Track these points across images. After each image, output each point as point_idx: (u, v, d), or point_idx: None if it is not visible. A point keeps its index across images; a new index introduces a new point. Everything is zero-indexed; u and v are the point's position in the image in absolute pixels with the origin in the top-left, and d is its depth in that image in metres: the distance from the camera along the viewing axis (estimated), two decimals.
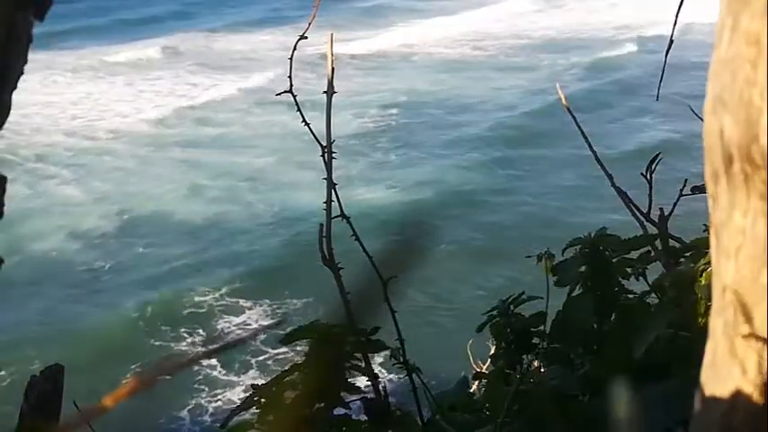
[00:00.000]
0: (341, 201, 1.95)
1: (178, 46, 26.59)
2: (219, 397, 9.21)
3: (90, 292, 11.63)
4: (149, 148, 17.78)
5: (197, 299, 11.21)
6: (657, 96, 2.34)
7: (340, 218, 1.93)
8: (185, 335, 10.40)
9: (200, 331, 10.42)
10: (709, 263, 1.45)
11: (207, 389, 9.31)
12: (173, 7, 32.16)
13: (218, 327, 10.58)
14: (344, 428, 1.71)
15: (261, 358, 9.64)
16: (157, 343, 10.29)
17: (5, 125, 0.62)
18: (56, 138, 18.33)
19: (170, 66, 24.51)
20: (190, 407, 9.04)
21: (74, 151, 17.58)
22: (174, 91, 22.18)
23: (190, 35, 28.00)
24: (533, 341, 1.96)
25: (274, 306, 11.02)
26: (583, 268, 1.82)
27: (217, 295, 11.34)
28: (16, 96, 0.59)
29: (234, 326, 10.49)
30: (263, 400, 1.66)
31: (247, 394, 1.70)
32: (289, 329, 1.72)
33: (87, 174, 16.30)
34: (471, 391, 2.41)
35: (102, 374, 8.67)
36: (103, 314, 10.85)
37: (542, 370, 1.94)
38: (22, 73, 0.60)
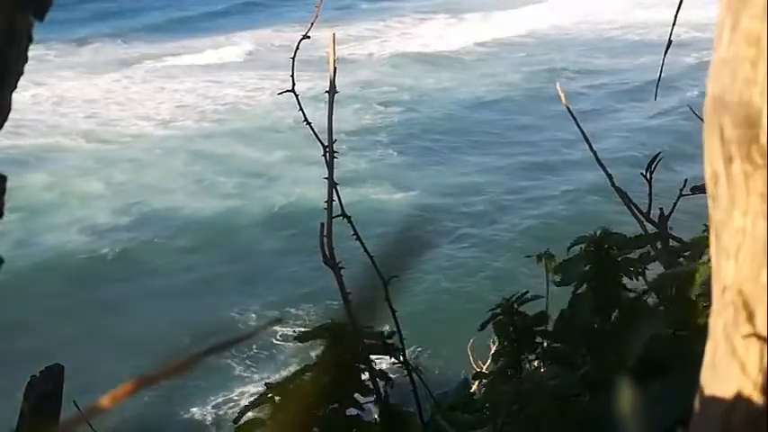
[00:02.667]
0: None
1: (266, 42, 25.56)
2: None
3: None
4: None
5: None
6: (656, 96, 2.33)
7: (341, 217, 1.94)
8: None
9: None
10: (705, 261, 1.45)
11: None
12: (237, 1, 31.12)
13: None
14: (355, 429, 1.71)
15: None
16: None
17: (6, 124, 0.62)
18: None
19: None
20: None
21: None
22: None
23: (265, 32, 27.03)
24: (536, 340, 1.96)
25: None
26: (587, 267, 1.81)
27: None
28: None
29: None
30: (276, 398, 1.66)
31: (259, 392, 1.71)
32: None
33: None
34: (471, 391, 2.41)
35: None
36: None
37: (542, 370, 1.94)
38: (22, 73, 0.60)
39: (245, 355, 9.51)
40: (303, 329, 1.74)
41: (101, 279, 11.86)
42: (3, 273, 0.68)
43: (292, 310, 10.21)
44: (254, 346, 9.39)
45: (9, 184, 0.61)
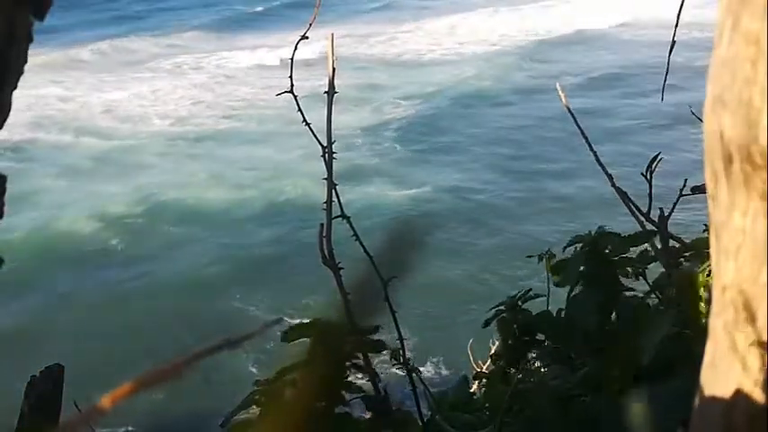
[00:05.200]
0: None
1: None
2: None
3: None
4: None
5: None
6: (662, 98, 2.32)
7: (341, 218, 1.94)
8: None
9: None
10: (710, 265, 1.44)
11: None
12: None
13: None
14: (345, 428, 1.71)
15: None
16: None
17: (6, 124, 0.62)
18: None
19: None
20: None
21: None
22: None
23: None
24: (538, 338, 1.96)
25: None
26: (582, 267, 1.82)
27: None
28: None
29: None
30: (263, 399, 1.66)
31: (248, 393, 1.71)
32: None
33: None
34: (471, 390, 2.41)
35: None
36: None
37: (543, 370, 1.94)
38: (22, 73, 0.60)
39: None
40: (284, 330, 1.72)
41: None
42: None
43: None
44: None
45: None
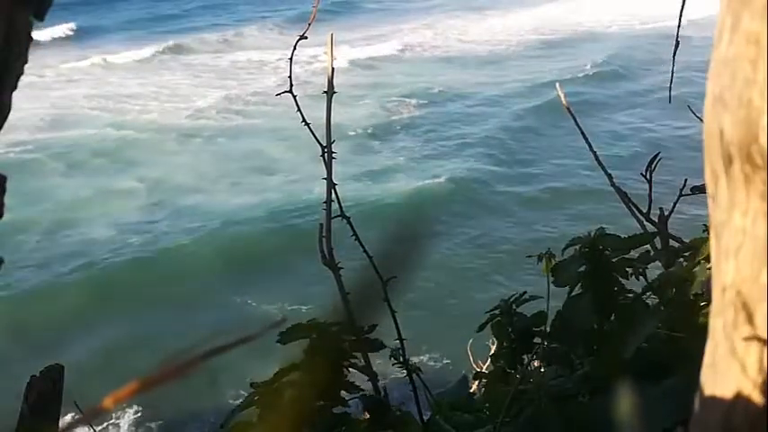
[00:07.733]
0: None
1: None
2: None
3: None
4: None
5: None
6: (670, 99, 2.31)
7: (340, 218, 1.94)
8: None
9: None
10: (703, 261, 1.45)
11: None
12: None
13: None
14: (344, 427, 1.71)
15: None
16: None
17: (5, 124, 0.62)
18: None
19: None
20: None
21: None
22: None
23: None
24: (534, 341, 1.96)
25: None
26: (582, 268, 1.82)
27: None
28: None
29: None
30: (262, 399, 1.66)
31: (247, 394, 1.71)
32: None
33: None
34: (471, 391, 2.41)
35: None
36: None
37: (542, 370, 1.94)
38: (22, 73, 0.60)
39: None
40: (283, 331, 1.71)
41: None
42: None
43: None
44: None
45: None
